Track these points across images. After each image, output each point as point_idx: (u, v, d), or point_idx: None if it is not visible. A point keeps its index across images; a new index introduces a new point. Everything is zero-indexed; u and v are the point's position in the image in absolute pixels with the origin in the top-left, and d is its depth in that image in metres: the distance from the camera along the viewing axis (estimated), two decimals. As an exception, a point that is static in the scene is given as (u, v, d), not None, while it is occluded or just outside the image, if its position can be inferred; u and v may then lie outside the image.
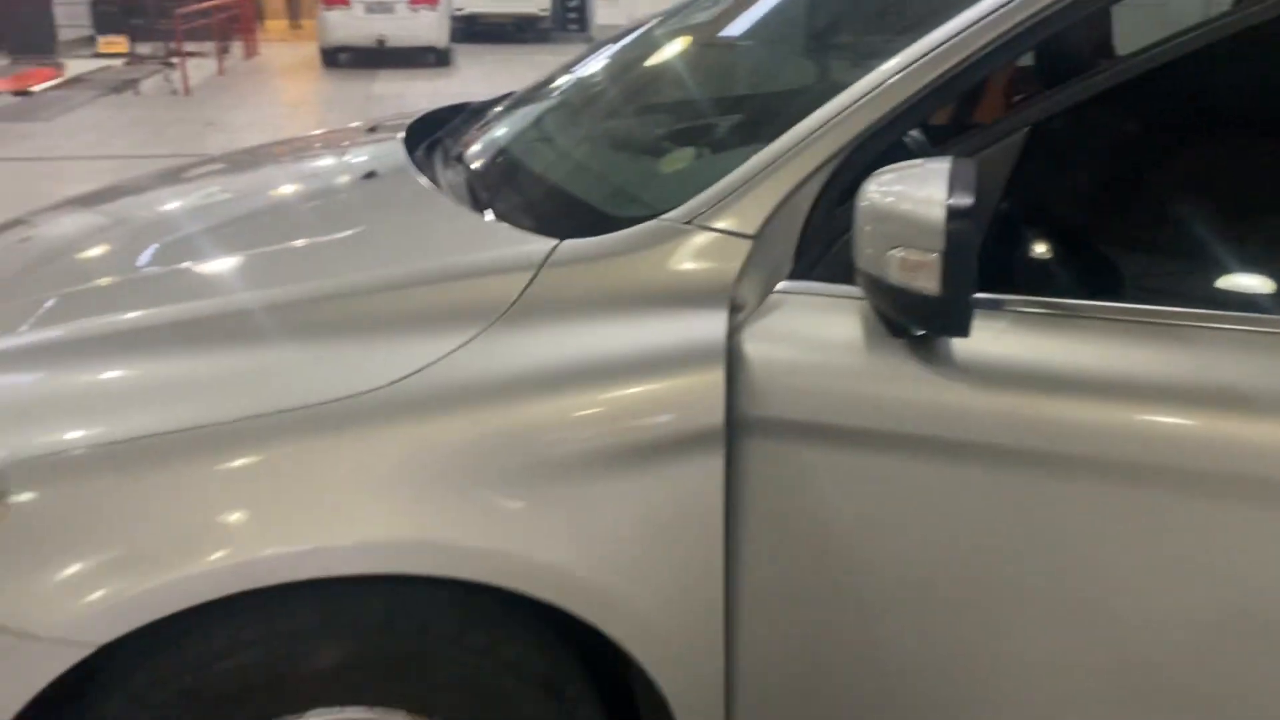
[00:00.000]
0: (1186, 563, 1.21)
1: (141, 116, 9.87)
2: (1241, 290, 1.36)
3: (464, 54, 14.40)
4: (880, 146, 1.33)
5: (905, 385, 1.24)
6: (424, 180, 1.69)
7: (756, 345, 1.31)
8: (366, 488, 1.24)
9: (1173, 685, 1.28)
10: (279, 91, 11.96)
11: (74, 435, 1.23)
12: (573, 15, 17.73)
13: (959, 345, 1.23)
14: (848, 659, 1.40)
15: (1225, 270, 1.35)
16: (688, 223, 1.36)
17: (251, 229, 1.72)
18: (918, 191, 1.08)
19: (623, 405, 1.29)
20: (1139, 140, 1.49)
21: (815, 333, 1.31)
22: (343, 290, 1.37)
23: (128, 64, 13.75)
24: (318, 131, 2.47)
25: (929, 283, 1.07)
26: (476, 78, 12.41)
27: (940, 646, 1.35)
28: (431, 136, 2.07)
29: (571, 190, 1.64)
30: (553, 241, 1.38)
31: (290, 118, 9.94)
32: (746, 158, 1.38)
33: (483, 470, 1.26)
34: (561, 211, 1.55)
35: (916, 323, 1.16)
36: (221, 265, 1.55)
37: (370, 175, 1.83)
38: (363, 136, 2.24)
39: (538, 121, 2.01)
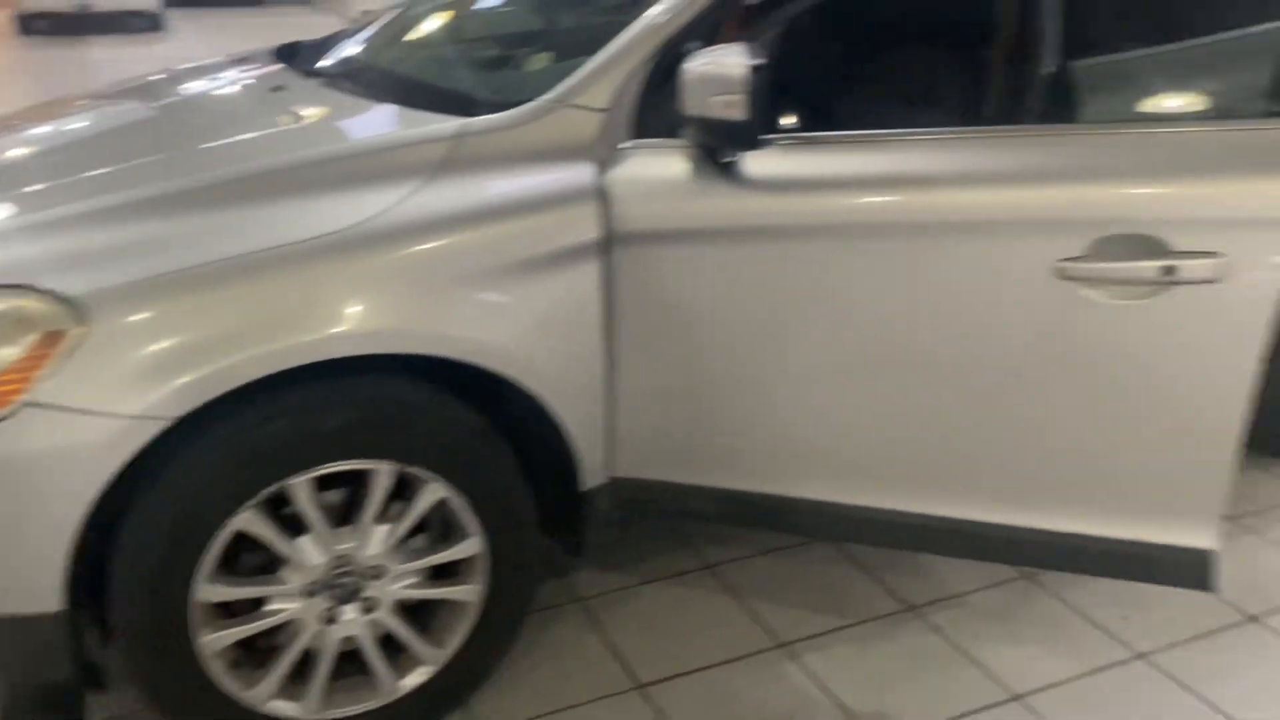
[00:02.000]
0: (906, 285, 1.92)
1: None
2: (909, 117, 2.06)
3: (179, 18, 13.83)
4: (681, 45, 1.95)
5: (719, 196, 1.90)
6: (333, 88, 2.17)
7: (615, 184, 1.92)
8: (353, 292, 1.73)
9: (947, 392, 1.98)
10: (-27, 60, 11.10)
11: (136, 272, 1.64)
12: (286, -23, 17.21)
13: (752, 166, 1.90)
14: (696, 406, 2.04)
15: (900, 107, 2.10)
16: (558, 101, 1.94)
17: (215, 126, 2.14)
18: (729, 59, 1.73)
19: (530, 229, 1.86)
20: (841, 27, 2.23)
21: (653, 171, 1.93)
22: (319, 159, 1.85)
23: None
24: (184, 66, 2.78)
25: (739, 114, 1.72)
26: (196, 42, 12.04)
27: (768, 393, 2.01)
28: (301, 61, 2.52)
29: (467, 85, 2.19)
30: (461, 120, 1.92)
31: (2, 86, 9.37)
32: (590, 56, 1.97)
33: (436, 279, 1.78)
34: (463, 99, 2.07)
35: (730, 143, 1.81)
36: (211, 151, 1.97)
37: (278, 89, 2.27)
38: (235, 68, 2.63)
39: (429, 39, 2.56)
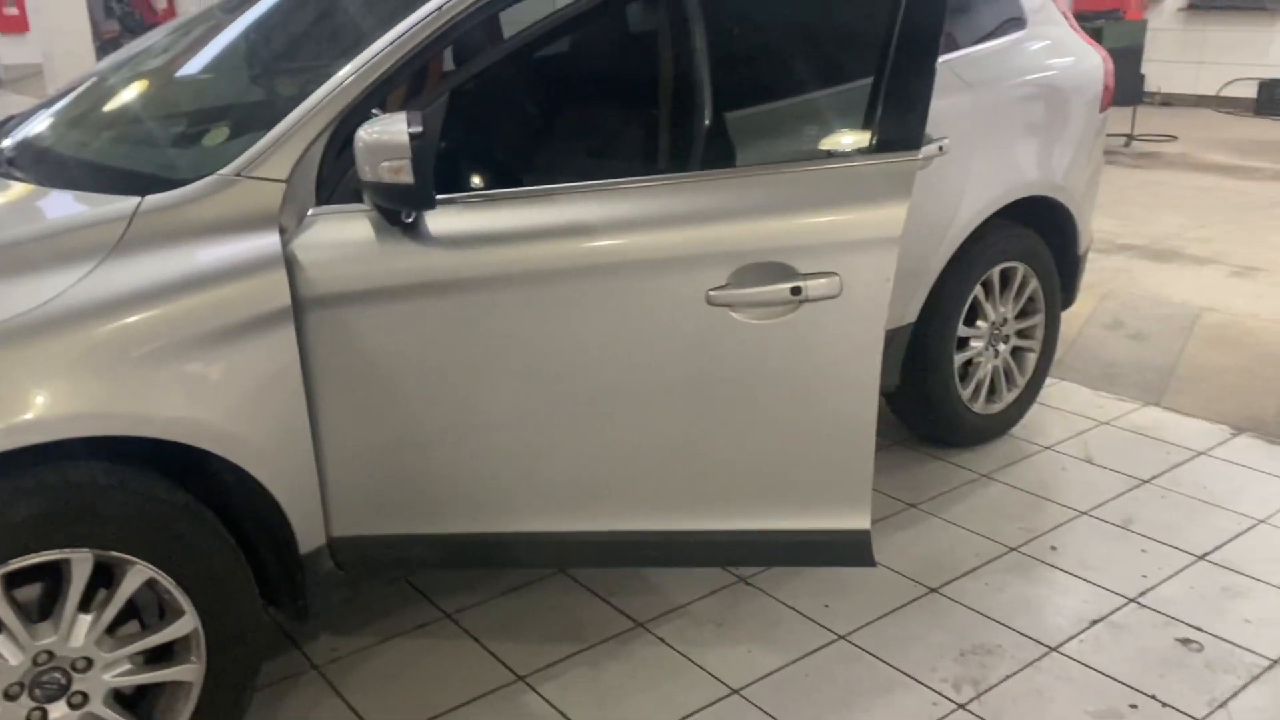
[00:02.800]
0: (582, 325, 2.09)
1: None
2: (575, 171, 2.27)
3: None
4: (358, 115, 2.05)
5: (403, 255, 2.01)
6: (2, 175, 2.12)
7: (301, 250, 1.99)
8: (39, 378, 1.71)
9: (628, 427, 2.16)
10: None
11: None
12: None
13: (431, 225, 2.02)
14: (403, 458, 2.12)
15: (566, 164, 2.30)
16: (238, 175, 1.99)
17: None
18: (392, 128, 1.85)
19: (216, 301, 1.89)
20: (514, 94, 2.41)
21: (339, 235, 2.02)
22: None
23: None
24: None
25: (407, 177, 1.84)
26: None
27: (468, 438, 2.12)
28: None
29: (144, 164, 2.19)
30: (137, 199, 1.94)
31: None
32: (267, 131, 2.04)
33: (123, 358, 1.78)
34: (141, 178, 2.07)
35: (404, 205, 1.92)
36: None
37: (-62, 177, 2.19)
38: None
39: (104, 119, 2.51)
